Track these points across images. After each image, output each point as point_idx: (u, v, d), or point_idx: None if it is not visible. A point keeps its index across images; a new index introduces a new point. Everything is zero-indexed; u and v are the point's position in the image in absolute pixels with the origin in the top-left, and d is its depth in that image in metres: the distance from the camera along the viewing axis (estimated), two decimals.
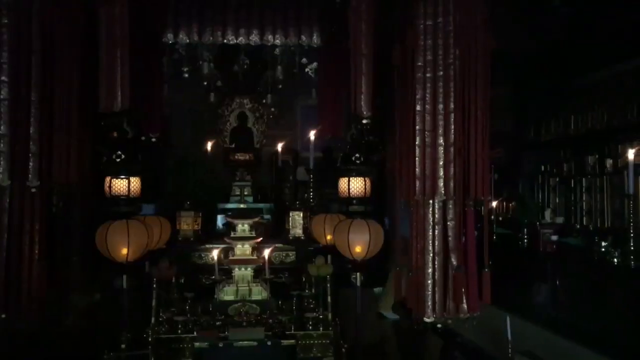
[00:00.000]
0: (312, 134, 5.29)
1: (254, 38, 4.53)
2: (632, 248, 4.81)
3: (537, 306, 6.03)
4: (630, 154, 4.80)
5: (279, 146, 6.19)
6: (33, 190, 3.60)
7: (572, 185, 7.11)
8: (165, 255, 4.46)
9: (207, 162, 5.98)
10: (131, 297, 4.07)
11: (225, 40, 4.58)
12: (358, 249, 4.14)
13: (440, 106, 4.00)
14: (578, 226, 6.81)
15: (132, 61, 3.70)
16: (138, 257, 4.03)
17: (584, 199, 6.86)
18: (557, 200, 7.32)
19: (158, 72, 4.75)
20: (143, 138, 4.78)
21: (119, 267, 3.95)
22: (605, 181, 6.49)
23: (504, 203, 8.35)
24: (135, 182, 4.17)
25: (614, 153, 6.51)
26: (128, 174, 4.09)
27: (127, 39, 3.65)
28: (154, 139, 4.92)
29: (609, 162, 6.57)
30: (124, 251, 3.87)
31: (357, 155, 4.34)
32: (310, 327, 4.04)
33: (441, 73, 3.97)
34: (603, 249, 5.35)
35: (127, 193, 4.10)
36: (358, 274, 4.30)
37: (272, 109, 6.34)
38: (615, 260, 5.01)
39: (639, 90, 6.18)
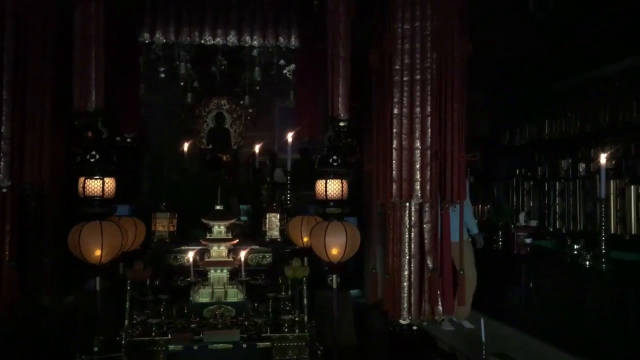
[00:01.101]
0: (289, 136, 5.29)
1: (232, 39, 4.51)
2: (603, 251, 4.90)
3: (511, 308, 6.11)
4: (602, 158, 4.89)
5: (257, 147, 6.17)
6: (4, 190, 3.54)
7: (546, 189, 7.21)
8: (140, 257, 4.41)
9: (184, 162, 5.93)
10: (104, 299, 4.02)
11: (202, 41, 4.55)
12: (334, 251, 4.14)
13: (417, 109, 4.03)
14: (551, 229, 6.91)
15: (107, 60, 3.65)
16: (112, 259, 3.98)
17: (557, 202, 6.96)
18: (531, 204, 7.42)
19: (134, 72, 4.71)
20: (118, 138, 4.72)
21: (92, 269, 3.90)
22: (578, 185, 6.59)
23: (480, 206, 8.44)
24: (110, 183, 4.12)
25: (586, 157, 6.63)
26: (102, 175, 4.03)
27: (101, 38, 3.60)
28: (129, 140, 4.86)
29: (581, 166, 6.68)
30: (98, 252, 3.82)
31: (335, 157, 4.34)
32: (286, 330, 4.02)
33: (418, 77, 4.01)
34: (575, 252, 5.44)
35: (101, 194, 4.05)
36: (334, 276, 4.31)
37: (250, 110, 6.32)
38: (587, 262, 5.10)
39: (611, 97, 6.30)
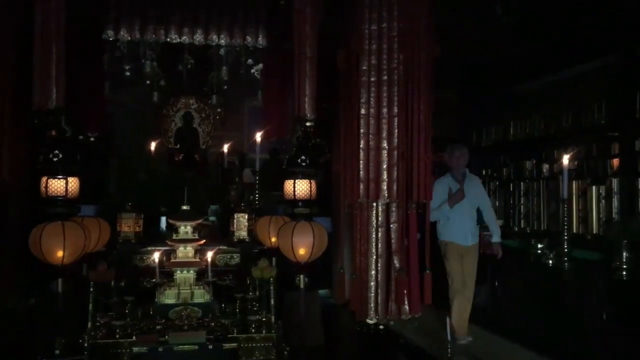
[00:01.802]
0: (258, 136, 5.26)
1: (199, 37, 4.46)
2: (565, 250, 5.00)
3: (476, 307, 6.19)
4: (565, 159, 5.00)
5: (225, 147, 6.13)
6: None
7: (511, 189, 7.34)
8: (104, 258, 4.34)
9: (151, 162, 5.85)
10: (67, 301, 3.94)
11: (168, 39, 4.50)
12: (302, 251, 4.14)
13: (384, 110, 4.06)
14: (516, 229, 7.03)
15: (68, 58, 3.58)
16: (75, 260, 3.91)
17: (522, 202, 7.09)
18: (497, 203, 7.54)
19: (98, 70, 4.62)
20: (82, 137, 4.63)
21: (54, 270, 3.82)
22: (541, 185, 6.73)
23: None
24: (74, 183, 4.05)
25: (550, 158, 6.77)
26: (66, 174, 3.96)
27: (62, 34, 3.53)
28: (93, 139, 4.78)
29: (545, 167, 6.82)
30: (60, 254, 3.75)
31: (303, 157, 4.34)
32: (253, 330, 4.00)
33: (385, 77, 4.03)
34: (539, 251, 5.55)
35: (64, 194, 3.97)
36: (302, 276, 4.31)
37: (219, 110, 6.26)
38: (550, 261, 5.21)
39: (574, 99, 6.45)
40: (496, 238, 5.34)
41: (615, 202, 5.56)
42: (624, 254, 4.64)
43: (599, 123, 5.91)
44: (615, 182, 5.59)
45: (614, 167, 5.83)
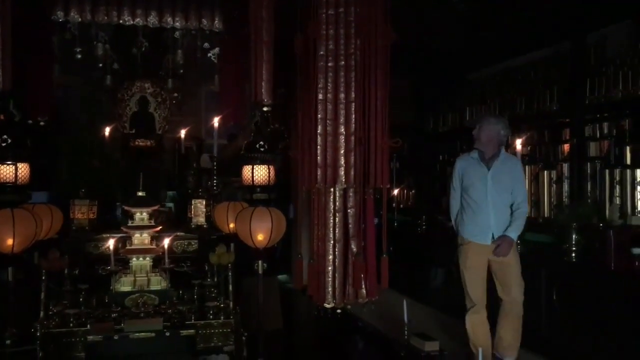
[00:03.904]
0: (215, 121, 5.21)
1: (153, 20, 4.37)
2: None
3: (432, 289, 6.33)
4: (518, 144, 5.12)
5: (182, 132, 6.04)
6: None
7: None
8: (56, 246, 4.24)
9: (106, 148, 5.73)
10: (18, 290, 3.84)
11: (121, 21, 4.38)
12: (260, 237, 4.13)
13: (342, 95, 4.04)
14: None
15: (16, 39, 3.45)
16: (25, 248, 3.80)
17: None
18: None
19: (47, 52, 4.47)
20: (31, 122, 4.49)
21: (4, 259, 3.71)
22: None
23: (405, 191, 8.66)
24: (24, 169, 3.92)
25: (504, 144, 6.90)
26: (15, 160, 3.83)
27: (8, 15, 3.39)
28: (43, 123, 4.64)
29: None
30: (9, 242, 3.63)
31: (261, 142, 4.32)
32: (211, 317, 4.00)
33: (342, 63, 4.01)
34: None
35: (14, 180, 3.84)
36: (260, 261, 4.31)
37: (175, 94, 6.17)
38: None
39: (527, 85, 6.59)
40: (511, 233, 4.13)
41: (565, 187, 5.73)
42: (573, 236, 4.80)
43: (551, 109, 6.06)
44: (565, 167, 5.76)
45: (564, 152, 6.00)
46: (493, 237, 4.12)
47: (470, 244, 4.21)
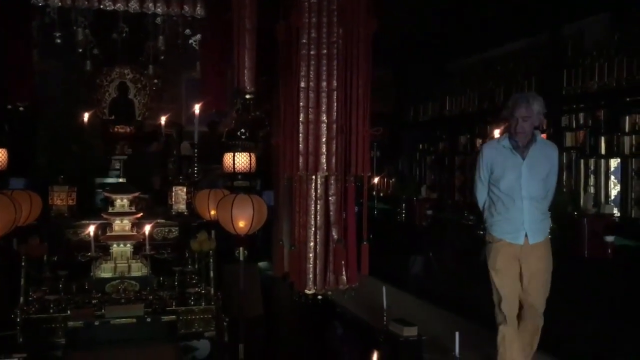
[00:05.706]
0: (196, 108, 5.19)
1: (134, 5, 4.33)
2: None
3: (411, 276, 6.41)
4: (496, 134, 5.18)
5: (163, 119, 6.01)
6: None
7: (447, 163, 7.57)
8: (36, 232, 4.21)
9: (85, 134, 5.68)
10: None
11: (101, 6, 4.34)
12: (241, 224, 4.15)
13: (324, 84, 4.05)
14: (450, 201, 7.28)
15: None
16: (4, 234, 3.77)
17: (456, 175, 7.33)
18: (433, 177, 7.77)
19: (25, 37, 4.41)
20: (9, 107, 4.44)
21: None
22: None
23: (385, 179, 8.74)
24: (2, 154, 3.90)
25: (483, 134, 7.01)
26: None
27: None
28: (22, 108, 4.58)
29: (479, 142, 7.06)
30: None
31: (243, 130, 4.33)
32: (192, 303, 4.02)
33: (325, 51, 4.02)
34: (471, 222, 5.79)
35: None
36: (241, 248, 4.33)
37: (156, 81, 6.13)
38: (482, 232, 5.43)
39: (506, 76, 6.68)
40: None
41: None
42: None
43: None
44: None
45: None
46: (526, 236, 3.56)
47: (502, 243, 3.63)
